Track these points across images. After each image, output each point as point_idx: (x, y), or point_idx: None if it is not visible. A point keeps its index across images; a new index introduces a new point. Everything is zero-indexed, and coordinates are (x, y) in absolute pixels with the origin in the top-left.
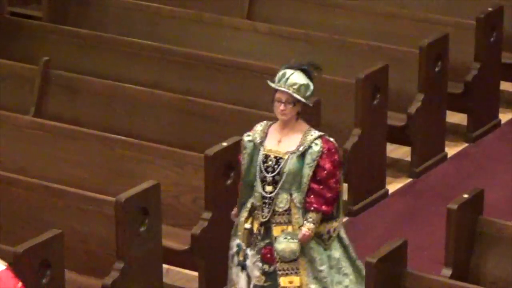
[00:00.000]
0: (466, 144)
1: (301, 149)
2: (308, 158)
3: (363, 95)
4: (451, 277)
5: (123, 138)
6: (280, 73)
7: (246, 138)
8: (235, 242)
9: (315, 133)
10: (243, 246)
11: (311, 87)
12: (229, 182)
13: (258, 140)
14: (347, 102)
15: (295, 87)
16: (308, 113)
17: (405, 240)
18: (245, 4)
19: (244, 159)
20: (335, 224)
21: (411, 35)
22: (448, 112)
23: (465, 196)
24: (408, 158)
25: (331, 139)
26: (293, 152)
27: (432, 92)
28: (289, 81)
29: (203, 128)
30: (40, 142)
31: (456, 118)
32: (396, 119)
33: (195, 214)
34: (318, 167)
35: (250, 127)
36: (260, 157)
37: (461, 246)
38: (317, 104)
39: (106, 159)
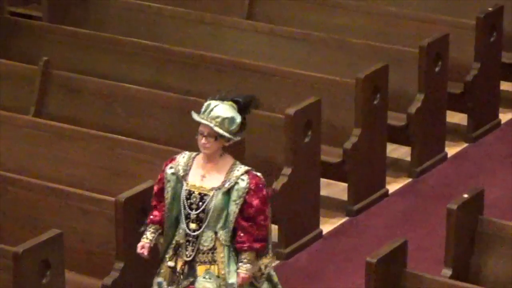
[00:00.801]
0: (466, 144)
1: (226, 185)
2: (235, 195)
3: (363, 95)
4: (451, 277)
5: (123, 138)
6: (206, 103)
7: (169, 171)
8: (157, 280)
9: (241, 167)
10: (165, 284)
11: (238, 120)
12: None
13: (181, 173)
14: (347, 102)
15: (218, 120)
16: (308, 113)
17: (405, 240)
18: (245, 4)
19: (167, 193)
20: (265, 260)
21: (411, 35)
22: (448, 112)
23: (465, 196)
24: (408, 158)
25: (258, 174)
26: (218, 188)
27: (432, 92)
28: (212, 114)
29: None
30: (40, 142)
31: (456, 118)
32: (396, 119)
33: None
34: (245, 204)
35: (250, 127)
36: (183, 193)
37: (461, 246)
38: (317, 104)
39: (106, 159)
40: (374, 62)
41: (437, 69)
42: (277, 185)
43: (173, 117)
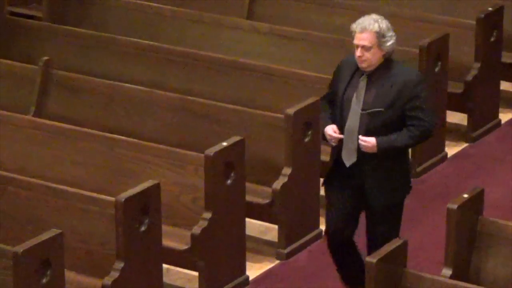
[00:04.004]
0: (466, 144)
1: None
2: None
3: None
4: (451, 277)
5: (123, 138)
6: None
7: None
8: None
9: None
10: None
11: None
12: (229, 182)
13: None
14: None
15: None
16: (308, 113)
17: (405, 240)
18: (245, 4)
19: None
20: None
21: (411, 35)
22: (448, 112)
23: (465, 196)
24: None
25: None
26: None
27: (432, 92)
28: None
29: (203, 128)
30: (40, 142)
31: (456, 118)
32: None
33: (195, 214)
34: None
35: (250, 127)
36: None
37: (461, 246)
38: (317, 104)
39: (106, 159)
40: None
41: (437, 69)
42: (277, 185)
43: (173, 117)
